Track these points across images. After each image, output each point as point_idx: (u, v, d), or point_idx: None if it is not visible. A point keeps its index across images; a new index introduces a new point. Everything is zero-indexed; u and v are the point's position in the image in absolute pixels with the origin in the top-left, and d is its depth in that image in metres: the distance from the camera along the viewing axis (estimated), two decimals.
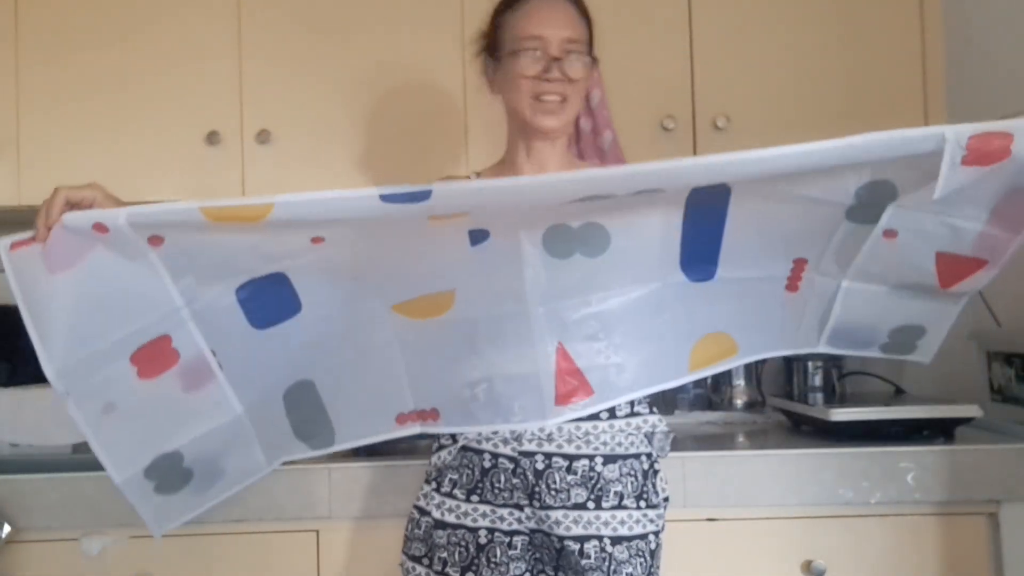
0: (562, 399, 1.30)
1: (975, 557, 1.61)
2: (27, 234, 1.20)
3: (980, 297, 2.14)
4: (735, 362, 1.41)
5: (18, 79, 1.96)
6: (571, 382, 1.30)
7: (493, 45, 1.39)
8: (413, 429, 1.37)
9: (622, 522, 1.30)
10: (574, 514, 1.29)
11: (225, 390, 1.31)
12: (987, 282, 1.30)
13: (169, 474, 1.32)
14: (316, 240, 1.20)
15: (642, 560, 1.30)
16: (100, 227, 1.16)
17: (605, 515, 1.30)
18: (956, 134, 1.08)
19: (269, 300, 1.27)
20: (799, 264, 1.34)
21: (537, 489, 1.30)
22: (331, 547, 1.64)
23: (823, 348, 1.42)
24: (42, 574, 1.61)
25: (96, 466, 1.61)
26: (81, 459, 1.62)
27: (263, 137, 1.94)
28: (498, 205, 1.18)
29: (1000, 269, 1.26)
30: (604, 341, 1.30)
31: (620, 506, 1.30)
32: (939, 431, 1.69)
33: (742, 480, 1.60)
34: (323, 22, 1.99)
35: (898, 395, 1.91)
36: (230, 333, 1.28)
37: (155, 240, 1.18)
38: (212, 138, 1.95)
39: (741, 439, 1.84)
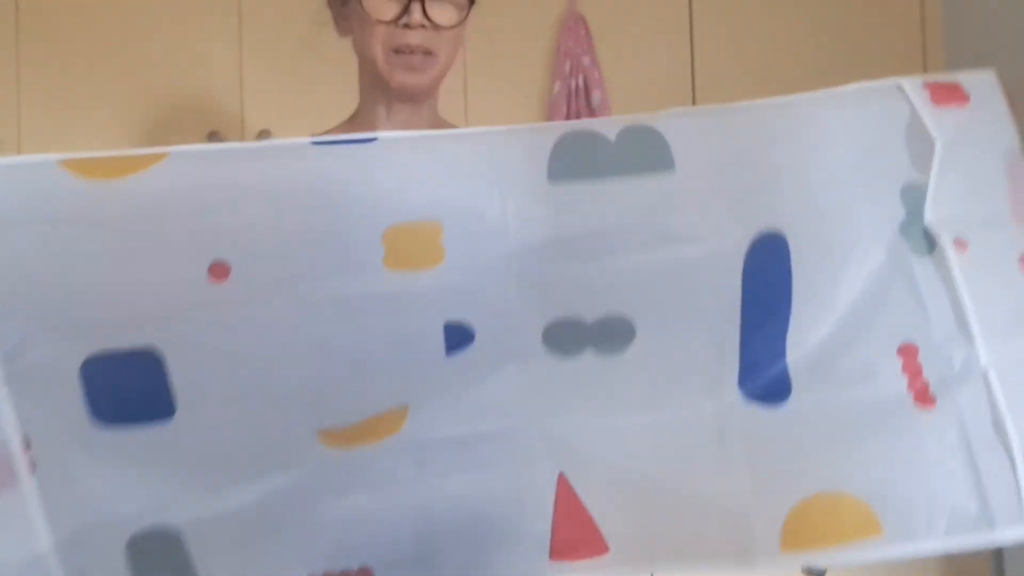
0: (561, 551, 0.85)
1: (976, 557, 1.61)
2: None
3: None
4: (879, 550, 0.81)
5: (19, 79, 1.96)
6: (575, 530, 0.85)
7: None
8: None
9: None
10: None
11: (29, 506, 0.80)
12: None
13: None
14: (217, 271, 0.80)
15: None
16: None
17: None
18: (909, 80, 0.98)
19: (127, 386, 0.81)
20: (908, 355, 0.86)
21: None
22: None
23: None
24: None
25: None
26: None
27: (264, 137, 1.95)
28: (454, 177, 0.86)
29: None
30: (628, 481, 0.86)
31: None
32: None
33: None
34: (324, 22, 1.98)
35: None
36: (58, 421, 0.81)
37: None
38: (213, 138, 1.95)
39: None
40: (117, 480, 0.82)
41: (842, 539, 0.82)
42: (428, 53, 1.07)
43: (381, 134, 0.84)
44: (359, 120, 1.17)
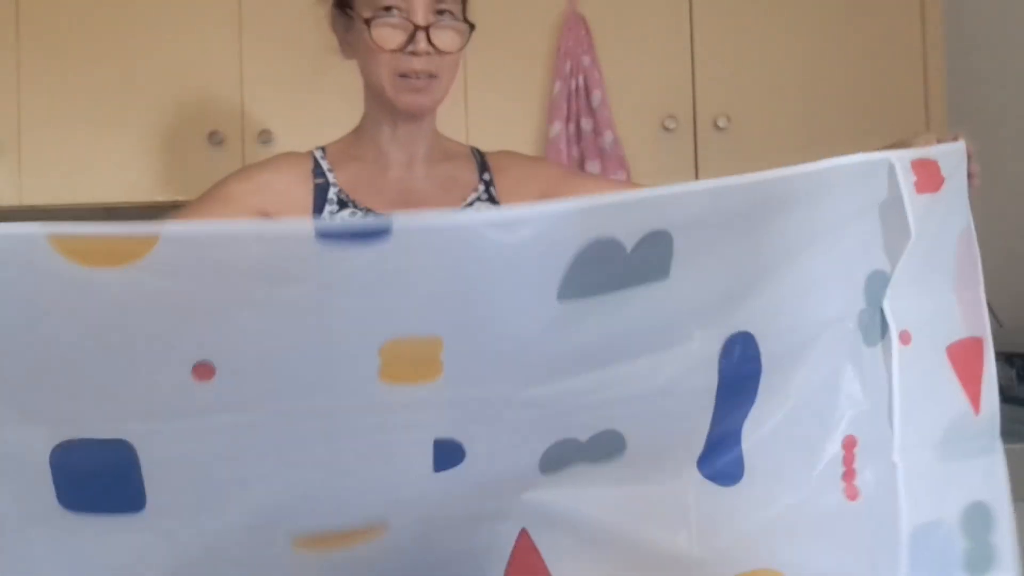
0: None
1: None
2: None
3: None
4: None
5: (19, 79, 1.96)
6: (527, 573, 0.89)
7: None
8: None
9: None
10: None
11: None
12: (996, 379, 1.09)
13: None
14: (201, 371, 0.75)
15: None
16: None
17: None
18: (900, 158, 0.94)
19: (98, 474, 0.77)
20: (849, 448, 0.94)
21: None
22: None
23: None
24: None
25: None
26: None
27: (265, 137, 1.95)
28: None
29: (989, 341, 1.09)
30: (586, 537, 0.91)
31: None
32: None
33: None
34: (325, 22, 1.98)
35: None
36: (26, 504, 0.77)
37: None
38: (214, 138, 1.95)
39: None
40: (80, 568, 0.79)
41: None
42: (432, 76, 1.12)
43: (396, 221, 0.73)
44: (365, 136, 1.22)
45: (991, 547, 1.01)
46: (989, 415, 1.05)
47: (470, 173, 1.23)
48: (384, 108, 1.17)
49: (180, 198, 1.97)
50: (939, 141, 1.01)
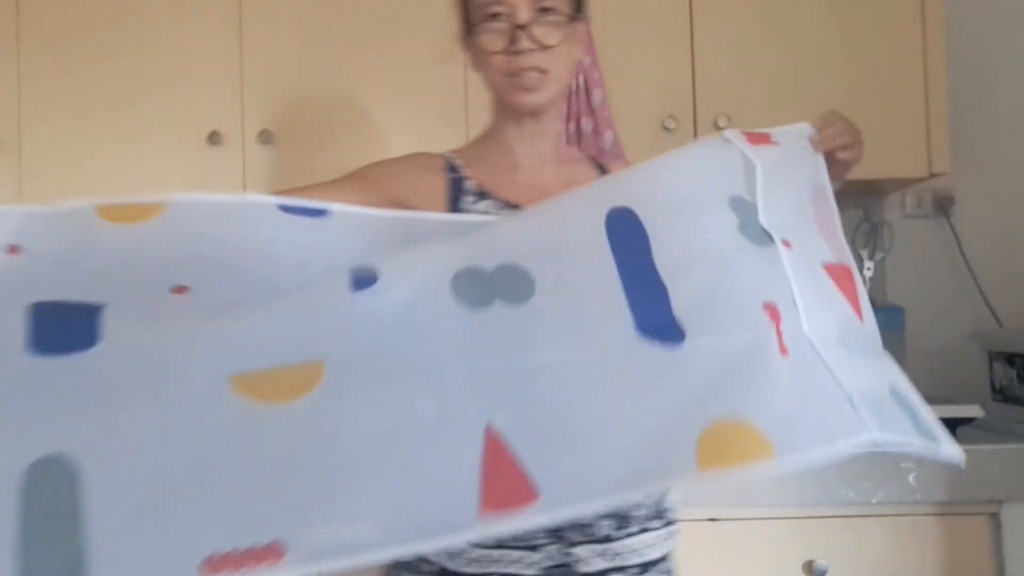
0: (491, 503, 0.86)
1: (976, 557, 1.61)
2: None
3: (982, 297, 2.15)
4: (771, 466, 0.89)
5: (20, 80, 1.96)
6: (505, 482, 0.87)
7: (465, 12, 1.22)
8: None
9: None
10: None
11: None
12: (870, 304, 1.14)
13: None
14: (178, 290, 0.93)
15: None
16: None
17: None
18: (731, 133, 1.14)
19: (64, 323, 0.88)
20: (772, 311, 0.98)
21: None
22: None
23: (878, 434, 0.92)
24: None
25: None
26: None
27: (265, 137, 1.95)
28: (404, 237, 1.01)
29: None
30: (552, 420, 0.91)
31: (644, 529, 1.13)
32: None
33: (743, 480, 1.60)
34: (325, 22, 1.99)
35: None
36: None
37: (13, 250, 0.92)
38: (214, 138, 1.95)
39: None
40: (34, 405, 0.85)
41: (743, 459, 0.89)
42: (542, 72, 1.17)
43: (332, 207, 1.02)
44: (492, 140, 1.28)
45: (927, 424, 1.02)
46: (872, 328, 1.10)
47: (590, 175, 1.27)
48: (508, 112, 1.24)
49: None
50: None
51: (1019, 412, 1.81)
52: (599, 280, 0.97)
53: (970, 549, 1.61)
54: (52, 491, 0.81)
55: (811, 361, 0.96)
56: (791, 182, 1.14)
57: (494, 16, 1.16)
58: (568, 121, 1.94)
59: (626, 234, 1.01)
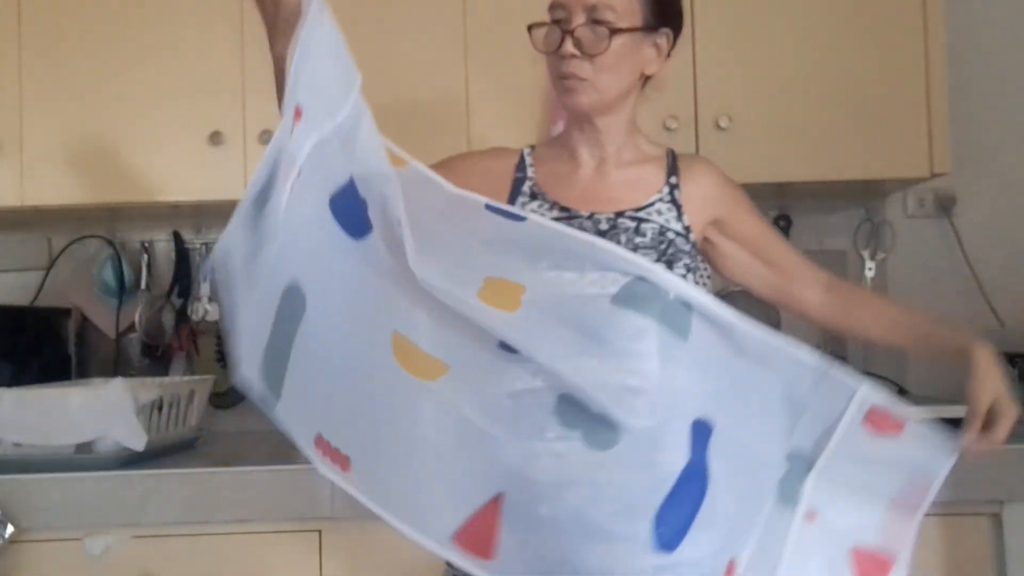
0: (462, 541, 1.13)
1: (978, 558, 1.61)
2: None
3: (983, 297, 2.15)
4: None
5: (21, 80, 1.96)
6: (481, 534, 1.13)
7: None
8: (322, 466, 1.11)
9: None
10: None
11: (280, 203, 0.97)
12: None
13: None
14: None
15: None
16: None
17: None
18: (864, 395, 1.16)
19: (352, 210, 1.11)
20: (730, 569, 1.14)
21: None
22: (333, 547, 1.64)
23: None
24: (46, 574, 1.61)
25: (98, 466, 1.61)
26: (84, 459, 1.62)
27: (266, 137, 1.94)
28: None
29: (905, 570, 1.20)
30: (546, 545, 1.12)
31: None
32: None
33: None
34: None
35: (901, 395, 1.91)
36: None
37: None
38: (215, 138, 1.95)
39: None
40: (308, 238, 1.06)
41: None
42: (583, 79, 1.21)
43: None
44: (563, 137, 1.34)
45: None
46: None
47: (658, 175, 1.30)
48: (570, 114, 1.29)
49: (182, 199, 1.97)
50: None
51: (1020, 412, 1.80)
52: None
53: (971, 550, 1.61)
54: (288, 318, 1.04)
55: None
56: (899, 464, 1.19)
57: (555, 19, 1.21)
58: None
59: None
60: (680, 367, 1.11)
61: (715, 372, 1.14)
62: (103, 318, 2.23)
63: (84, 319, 2.24)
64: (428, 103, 1.96)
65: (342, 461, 1.11)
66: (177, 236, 2.25)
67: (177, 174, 1.96)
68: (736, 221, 1.32)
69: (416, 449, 1.12)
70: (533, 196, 1.28)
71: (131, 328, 2.21)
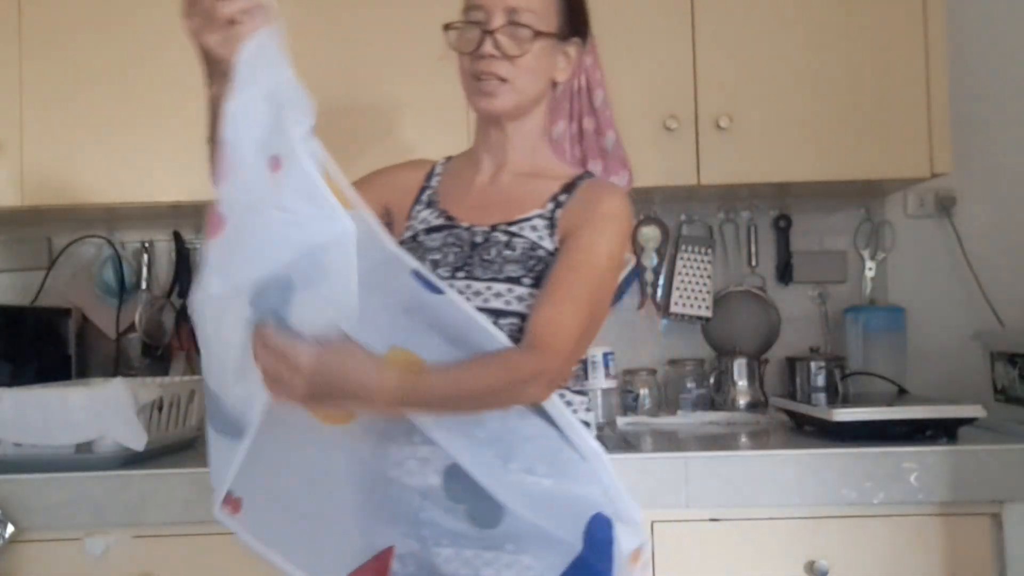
0: None
1: (978, 557, 1.61)
2: None
3: (984, 297, 2.15)
4: None
5: (21, 80, 1.96)
6: None
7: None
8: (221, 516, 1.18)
9: None
10: None
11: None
12: None
13: None
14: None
15: None
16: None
17: None
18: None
19: None
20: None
21: None
22: None
23: None
24: (45, 574, 1.61)
25: (98, 466, 1.61)
26: (84, 459, 1.62)
27: None
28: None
29: None
30: None
31: None
32: (942, 431, 1.69)
33: (745, 480, 1.60)
34: (325, 23, 1.98)
35: (901, 395, 1.91)
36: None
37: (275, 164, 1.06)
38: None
39: (744, 439, 1.84)
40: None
41: None
42: (502, 80, 1.19)
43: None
44: (474, 145, 1.32)
45: None
46: None
47: (546, 191, 1.24)
48: (479, 119, 1.27)
49: (182, 199, 1.97)
50: None
51: (1021, 412, 1.80)
52: None
53: (972, 549, 1.61)
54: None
55: None
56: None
57: (472, 20, 1.19)
58: (571, 121, 1.94)
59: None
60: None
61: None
62: (103, 318, 2.23)
63: (84, 319, 2.24)
64: (429, 105, 1.96)
65: (233, 503, 1.15)
66: (177, 236, 2.25)
67: (177, 174, 1.95)
68: (567, 239, 1.20)
69: (313, 490, 1.15)
70: (428, 205, 1.27)
71: (131, 328, 2.21)
